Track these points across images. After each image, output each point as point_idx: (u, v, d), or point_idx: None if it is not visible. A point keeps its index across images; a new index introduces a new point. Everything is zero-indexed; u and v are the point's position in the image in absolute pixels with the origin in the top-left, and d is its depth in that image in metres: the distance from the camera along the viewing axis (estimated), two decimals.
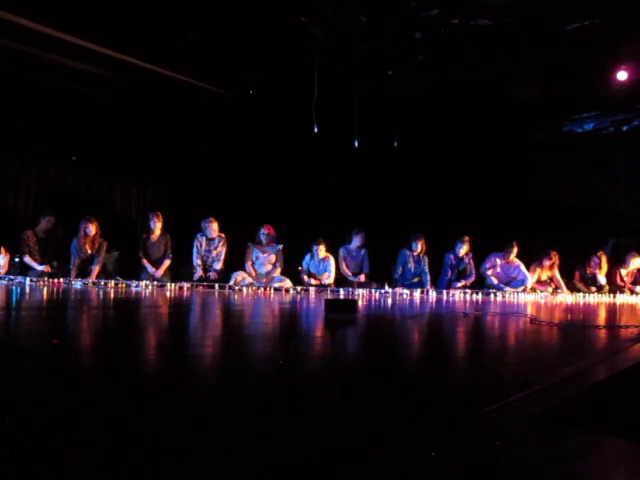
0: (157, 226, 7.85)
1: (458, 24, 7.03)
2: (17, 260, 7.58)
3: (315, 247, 8.05)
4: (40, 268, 7.35)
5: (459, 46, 7.53)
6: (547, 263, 8.59)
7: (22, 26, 6.80)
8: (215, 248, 8.00)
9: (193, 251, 7.98)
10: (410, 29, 7.32)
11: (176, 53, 7.81)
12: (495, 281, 8.45)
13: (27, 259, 7.40)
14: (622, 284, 8.83)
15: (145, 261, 7.76)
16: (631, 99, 8.66)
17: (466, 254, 8.55)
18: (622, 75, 7.98)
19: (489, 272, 8.53)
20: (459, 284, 8.36)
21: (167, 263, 7.82)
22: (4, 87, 7.42)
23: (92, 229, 7.60)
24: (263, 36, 7.43)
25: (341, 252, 8.48)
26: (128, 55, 7.72)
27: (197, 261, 7.94)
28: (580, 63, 7.73)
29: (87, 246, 7.60)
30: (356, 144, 8.57)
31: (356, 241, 8.45)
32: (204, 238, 7.98)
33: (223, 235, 8.07)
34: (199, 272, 7.89)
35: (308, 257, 8.19)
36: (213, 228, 7.93)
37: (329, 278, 8.04)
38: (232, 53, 7.84)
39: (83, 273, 7.55)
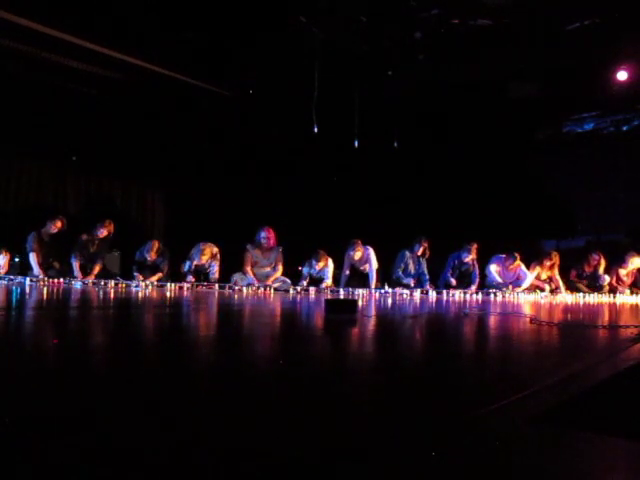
0: (152, 255, 7.79)
1: (458, 24, 7.04)
2: (17, 260, 7.58)
3: (314, 262, 7.99)
4: (36, 271, 7.29)
5: (459, 46, 7.53)
6: (548, 263, 8.60)
7: (22, 26, 6.80)
8: (206, 269, 7.93)
9: (187, 260, 7.87)
10: (410, 29, 7.32)
11: (176, 53, 7.81)
12: (497, 281, 8.46)
13: (32, 256, 7.34)
14: (619, 284, 8.82)
15: (137, 275, 7.73)
16: (631, 99, 8.67)
17: (471, 259, 8.57)
18: (622, 75, 7.99)
19: (493, 272, 8.54)
20: (467, 289, 8.26)
21: (158, 275, 7.78)
22: (4, 87, 7.42)
23: (104, 232, 7.66)
24: (263, 36, 7.43)
25: (347, 256, 8.37)
26: (128, 55, 7.72)
27: (188, 262, 7.86)
28: (580, 63, 7.73)
29: (90, 244, 7.65)
30: (356, 144, 8.57)
31: (352, 248, 8.24)
32: (196, 259, 7.90)
33: (216, 263, 7.91)
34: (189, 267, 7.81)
35: (307, 267, 8.14)
36: (202, 259, 7.78)
37: (327, 281, 8.01)
38: (232, 53, 7.84)
39: (83, 270, 7.57)
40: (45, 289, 5.90)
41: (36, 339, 2.15)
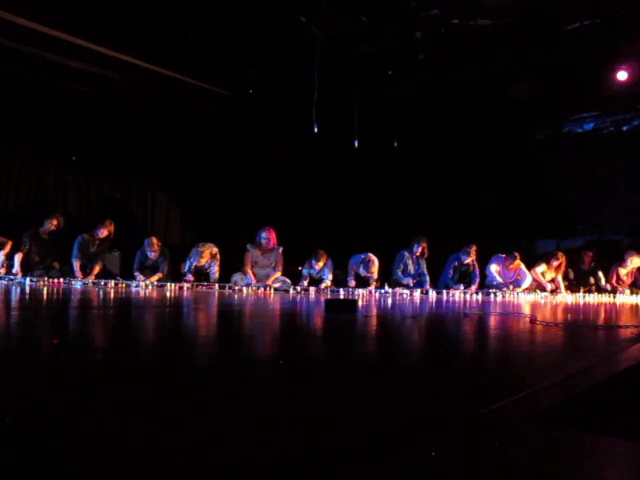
0: (154, 254, 7.78)
1: (458, 24, 7.03)
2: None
3: (314, 262, 7.97)
4: (15, 270, 7.26)
5: (459, 46, 7.52)
6: (555, 263, 8.57)
7: (22, 26, 6.79)
8: (206, 270, 7.92)
9: (187, 260, 7.86)
10: (410, 29, 7.32)
11: (176, 53, 7.81)
12: (497, 281, 8.46)
13: (17, 255, 7.32)
14: (619, 284, 8.81)
15: (138, 274, 7.73)
16: (631, 99, 8.66)
17: (470, 261, 8.57)
18: (622, 75, 7.98)
19: (494, 272, 8.53)
20: (467, 289, 8.24)
21: (159, 276, 7.76)
22: (4, 87, 7.41)
23: (104, 232, 7.64)
24: (263, 36, 7.42)
25: (352, 262, 8.34)
26: (128, 55, 7.71)
27: (188, 263, 7.87)
28: (580, 63, 7.73)
29: (90, 244, 7.65)
30: (356, 144, 8.57)
31: (366, 267, 8.16)
32: (195, 260, 7.87)
33: (216, 264, 7.89)
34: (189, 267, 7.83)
35: (307, 268, 8.12)
36: (201, 261, 7.77)
37: (326, 281, 8.00)
38: (232, 53, 7.84)
39: (83, 270, 7.57)
40: (45, 289, 5.90)
41: (36, 339, 2.15)
